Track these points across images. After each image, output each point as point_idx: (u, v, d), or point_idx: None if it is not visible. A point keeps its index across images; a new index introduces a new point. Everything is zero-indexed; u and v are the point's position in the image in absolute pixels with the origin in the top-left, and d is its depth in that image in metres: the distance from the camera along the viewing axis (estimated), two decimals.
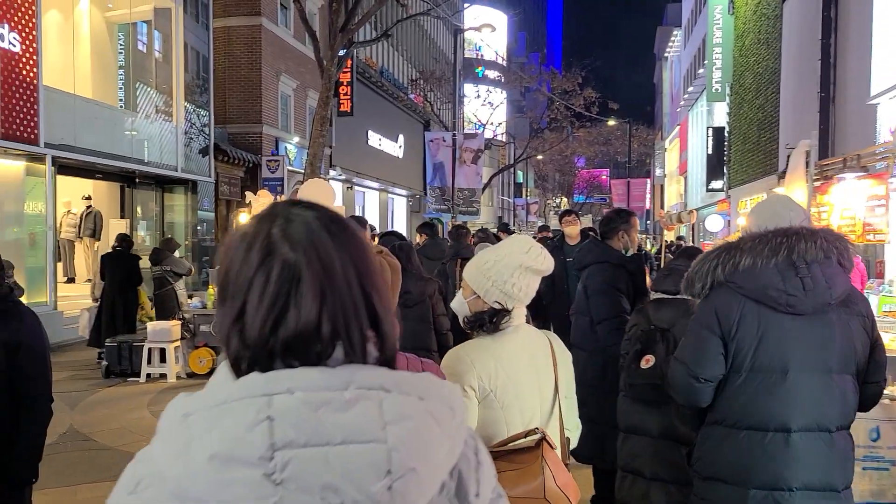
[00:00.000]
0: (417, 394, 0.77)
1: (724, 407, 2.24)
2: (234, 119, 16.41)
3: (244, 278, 0.80)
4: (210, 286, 7.67)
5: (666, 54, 53.69)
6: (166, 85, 13.60)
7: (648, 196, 40.07)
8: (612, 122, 33.27)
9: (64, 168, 11.19)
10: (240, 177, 15.53)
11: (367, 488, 0.71)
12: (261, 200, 6.98)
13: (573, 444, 2.24)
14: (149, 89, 13.32)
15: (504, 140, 37.57)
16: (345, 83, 20.10)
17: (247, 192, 7.94)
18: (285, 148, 17.47)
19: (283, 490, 0.69)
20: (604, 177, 55.27)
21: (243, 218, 7.20)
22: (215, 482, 0.69)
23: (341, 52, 11.29)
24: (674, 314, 2.89)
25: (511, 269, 2.07)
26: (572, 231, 6.70)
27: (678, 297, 2.89)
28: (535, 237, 9.65)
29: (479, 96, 25.29)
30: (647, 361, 2.90)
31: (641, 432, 2.90)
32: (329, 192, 7.50)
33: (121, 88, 13.16)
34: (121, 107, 12.97)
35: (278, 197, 7.78)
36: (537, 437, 1.90)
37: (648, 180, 34.62)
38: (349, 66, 20.30)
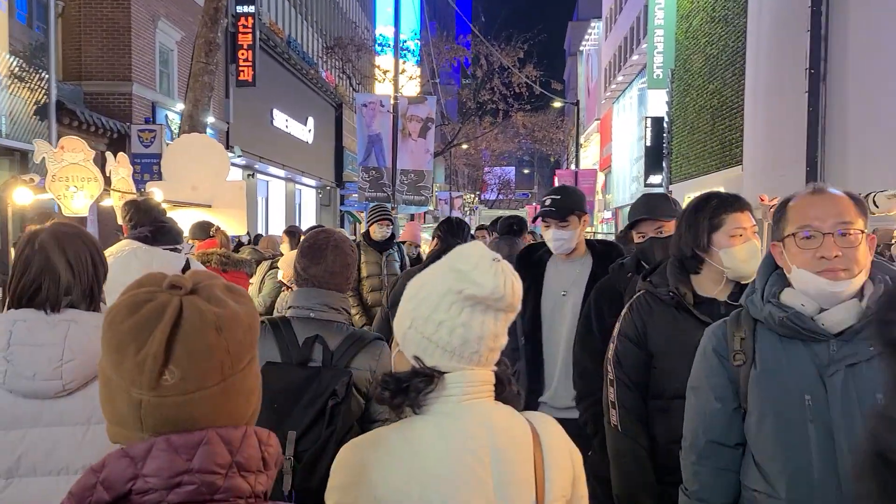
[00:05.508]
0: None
1: None
2: (93, 74, 12.76)
3: None
4: None
5: (581, 48, 52.95)
6: None
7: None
8: (557, 104, 30.86)
9: None
10: (101, 150, 11.82)
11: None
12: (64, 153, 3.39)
13: None
14: None
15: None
16: (245, 46, 17.43)
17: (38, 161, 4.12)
18: (165, 116, 14.04)
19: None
20: (524, 174, 53.58)
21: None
22: None
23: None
24: None
25: (437, 298, 1.29)
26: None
27: None
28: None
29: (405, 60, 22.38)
30: None
31: None
32: (212, 153, 4.02)
33: None
34: None
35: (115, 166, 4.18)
36: None
37: (600, 172, 32.55)
38: (250, 25, 17.26)
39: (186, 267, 2.86)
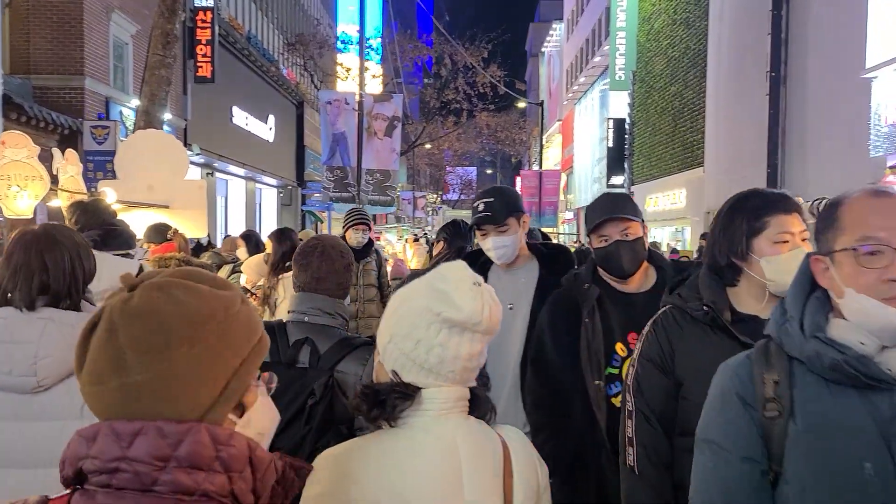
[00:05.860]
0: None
1: None
2: (42, 67, 12.22)
3: None
4: None
5: (543, 49, 53.15)
6: None
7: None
8: (521, 105, 30.83)
9: None
10: (51, 147, 11.33)
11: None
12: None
13: None
14: None
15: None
16: (203, 42, 17.05)
17: None
18: (120, 112, 13.49)
19: None
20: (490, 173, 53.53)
21: None
22: None
23: None
24: None
25: (415, 316, 1.32)
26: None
27: None
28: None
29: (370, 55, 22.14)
30: None
31: None
32: (170, 151, 3.79)
33: None
34: None
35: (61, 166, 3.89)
36: None
37: (562, 173, 32.61)
38: (209, 20, 16.88)
39: (139, 273, 2.62)
